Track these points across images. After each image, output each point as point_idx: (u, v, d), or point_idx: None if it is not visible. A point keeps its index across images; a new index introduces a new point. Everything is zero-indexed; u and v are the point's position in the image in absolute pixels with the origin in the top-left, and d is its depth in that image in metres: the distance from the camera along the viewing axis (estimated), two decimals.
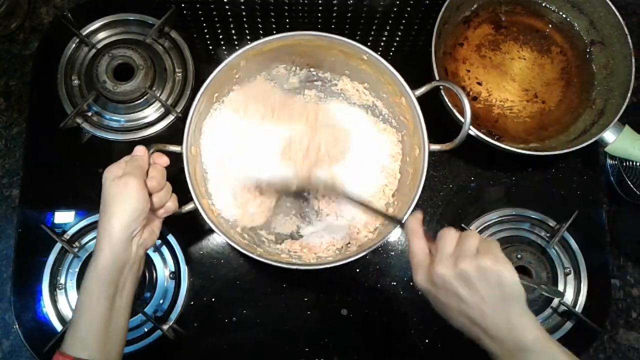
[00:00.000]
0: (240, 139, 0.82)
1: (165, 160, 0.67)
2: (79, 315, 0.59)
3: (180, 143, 0.71)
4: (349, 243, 0.80)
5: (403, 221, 0.68)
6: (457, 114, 0.80)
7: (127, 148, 0.88)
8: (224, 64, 0.74)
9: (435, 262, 0.54)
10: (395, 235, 0.89)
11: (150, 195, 0.63)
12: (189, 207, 0.70)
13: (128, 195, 0.60)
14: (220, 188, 0.80)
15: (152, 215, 0.66)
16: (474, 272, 0.52)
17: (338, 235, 0.81)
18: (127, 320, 0.62)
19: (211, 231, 0.86)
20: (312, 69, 0.86)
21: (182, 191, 0.69)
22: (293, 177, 0.80)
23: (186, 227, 0.86)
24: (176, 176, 0.69)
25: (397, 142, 0.83)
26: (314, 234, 0.82)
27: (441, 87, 0.78)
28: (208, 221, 0.69)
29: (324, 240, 0.81)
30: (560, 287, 0.86)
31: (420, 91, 0.73)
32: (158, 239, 0.83)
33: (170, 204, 0.67)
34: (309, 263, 0.76)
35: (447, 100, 0.81)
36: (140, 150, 0.66)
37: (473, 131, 0.79)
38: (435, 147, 0.72)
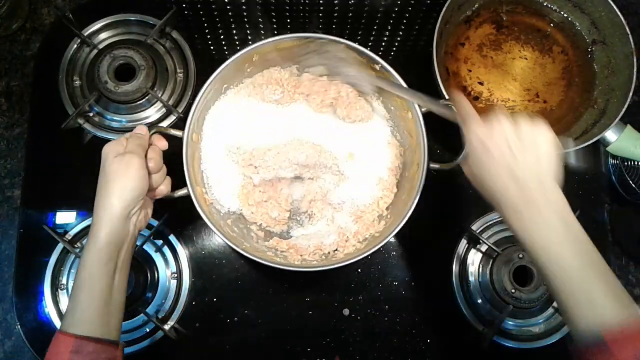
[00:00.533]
0: (249, 126, 0.82)
1: (164, 144, 0.67)
2: (78, 291, 0.58)
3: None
4: (336, 250, 0.80)
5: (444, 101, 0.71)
6: None
7: None
8: (238, 55, 0.73)
9: (498, 120, 0.57)
10: (392, 238, 0.88)
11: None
12: (181, 192, 0.70)
13: (130, 174, 0.60)
14: (221, 177, 0.80)
15: (146, 197, 0.66)
16: (533, 134, 0.57)
17: (327, 241, 0.80)
18: (124, 299, 0.62)
19: (211, 229, 0.85)
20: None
21: (180, 180, 0.70)
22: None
23: (188, 227, 0.86)
24: (172, 162, 0.69)
25: (398, 156, 0.82)
26: (304, 236, 0.82)
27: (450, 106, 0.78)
28: (197, 207, 0.69)
29: (311, 244, 0.80)
30: None
31: (426, 108, 0.73)
32: (160, 238, 0.84)
33: (163, 187, 0.67)
34: (292, 264, 0.76)
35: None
36: (142, 129, 0.66)
37: None
38: (435, 165, 0.73)
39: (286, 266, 0.72)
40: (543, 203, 0.55)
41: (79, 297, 0.58)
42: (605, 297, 0.51)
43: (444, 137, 0.90)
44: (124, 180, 0.59)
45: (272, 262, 0.70)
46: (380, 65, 0.75)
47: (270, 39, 0.74)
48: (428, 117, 0.73)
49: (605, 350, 0.49)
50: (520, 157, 0.56)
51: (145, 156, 0.63)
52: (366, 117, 0.83)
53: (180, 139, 0.71)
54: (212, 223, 0.69)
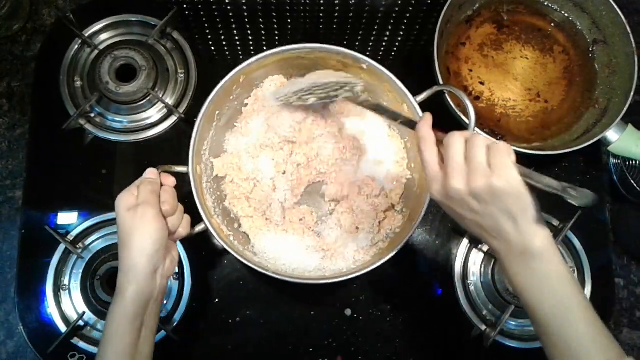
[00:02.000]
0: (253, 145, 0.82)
1: (172, 181, 0.66)
2: (105, 346, 0.58)
3: (183, 161, 0.71)
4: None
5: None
6: (461, 115, 0.80)
7: (130, 149, 0.88)
8: (225, 81, 0.73)
9: (448, 177, 0.54)
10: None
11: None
12: (199, 227, 0.69)
13: (147, 227, 0.58)
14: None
15: (168, 241, 0.64)
16: (486, 191, 0.52)
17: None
18: (152, 348, 0.62)
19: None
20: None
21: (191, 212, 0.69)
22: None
23: None
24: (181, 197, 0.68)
25: (401, 149, 0.83)
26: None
27: (445, 91, 0.78)
28: (219, 240, 0.69)
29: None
30: None
31: (421, 97, 0.74)
32: None
33: (182, 230, 0.65)
34: (323, 277, 0.76)
35: (451, 102, 0.81)
36: (152, 173, 0.64)
37: (476, 131, 0.79)
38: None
39: (308, 280, 0.73)
40: (520, 248, 0.53)
41: (105, 353, 0.58)
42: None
43: (445, 119, 0.87)
44: (143, 235, 0.58)
45: (298, 279, 0.71)
46: (367, 64, 0.75)
47: (253, 59, 0.74)
48: (424, 103, 0.74)
49: None
50: (483, 211, 0.54)
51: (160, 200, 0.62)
52: (359, 112, 0.83)
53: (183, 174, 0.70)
54: (235, 252, 0.69)
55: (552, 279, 0.53)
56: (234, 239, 0.78)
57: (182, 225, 0.65)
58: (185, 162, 0.71)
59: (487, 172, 0.52)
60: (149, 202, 0.59)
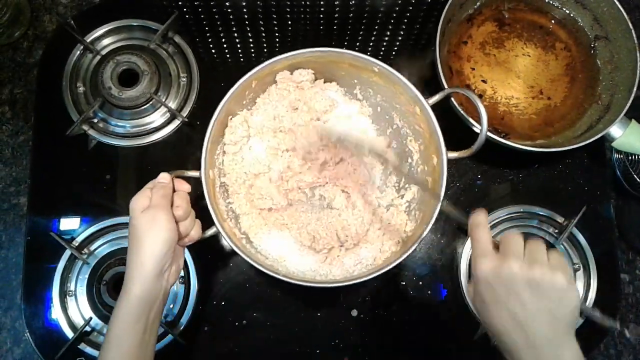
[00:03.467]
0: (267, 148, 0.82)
1: (187, 187, 0.67)
2: (107, 348, 0.59)
3: (188, 164, 0.71)
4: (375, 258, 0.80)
5: (441, 198, 0.69)
6: (468, 117, 0.80)
7: (133, 154, 0.88)
8: (237, 86, 0.73)
9: (507, 258, 0.54)
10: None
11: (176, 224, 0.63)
12: (211, 231, 0.69)
13: (158, 229, 0.59)
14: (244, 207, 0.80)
15: (177, 247, 0.65)
16: (546, 283, 0.52)
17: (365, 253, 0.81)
18: (153, 352, 0.62)
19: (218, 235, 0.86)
20: (325, 84, 0.84)
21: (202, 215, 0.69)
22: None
23: None
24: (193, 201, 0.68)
25: (417, 151, 0.82)
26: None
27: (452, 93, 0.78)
28: (230, 244, 0.69)
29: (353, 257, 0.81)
30: None
31: (433, 99, 0.73)
32: None
33: (194, 233, 0.66)
34: (326, 281, 0.75)
35: (454, 102, 0.81)
36: (165, 177, 0.65)
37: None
38: (453, 154, 0.71)
39: (327, 284, 0.72)
40: (550, 355, 0.52)
41: (107, 355, 0.59)
42: None
43: (449, 121, 0.86)
44: (153, 237, 0.59)
45: (312, 282, 0.71)
46: (378, 67, 0.75)
47: (265, 63, 0.73)
48: (434, 108, 0.73)
49: None
50: (531, 304, 0.53)
51: (172, 204, 0.63)
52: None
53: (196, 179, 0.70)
54: (247, 256, 0.69)
55: None
56: (246, 242, 0.77)
57: (194, 229, 0.66)
58: (191, 165, 0.71)
59: (549, 266, 0.53)
60: (161, 205, 0.61)
